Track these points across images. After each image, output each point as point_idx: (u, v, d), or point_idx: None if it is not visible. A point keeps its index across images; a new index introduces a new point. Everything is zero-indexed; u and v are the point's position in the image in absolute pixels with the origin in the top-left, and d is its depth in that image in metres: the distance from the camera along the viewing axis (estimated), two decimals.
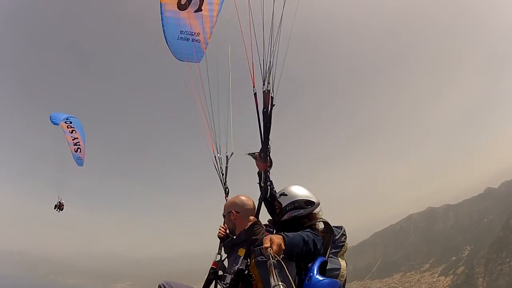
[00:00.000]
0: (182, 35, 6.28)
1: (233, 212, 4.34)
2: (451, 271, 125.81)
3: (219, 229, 4.87)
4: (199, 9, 6.08)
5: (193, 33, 6.28)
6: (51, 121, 17.69)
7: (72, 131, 18.48)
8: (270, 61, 4.43)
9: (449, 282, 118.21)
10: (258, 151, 4.43)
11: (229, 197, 5.05)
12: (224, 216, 4.51)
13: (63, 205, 20.56)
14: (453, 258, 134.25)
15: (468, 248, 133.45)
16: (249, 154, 4.58)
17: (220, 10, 6.23)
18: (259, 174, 4.50)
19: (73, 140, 18.73)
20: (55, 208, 20.55)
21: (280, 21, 4.48)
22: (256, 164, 4.54)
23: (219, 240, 4.80)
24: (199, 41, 6.34)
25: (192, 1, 6.01)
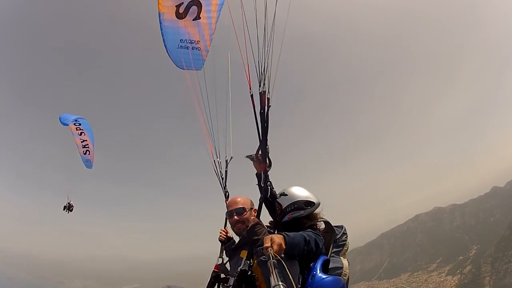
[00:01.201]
0: (182, 44, 6.17)
1: (254, 209, 4.37)
2: (458, 271, 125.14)
3: (220, 233, 4.87)
4: (197, 17, 5.96)
5: (192, 41, 6.18)
6: (61, 121, 17.19)
7: (81, 133, 17.97)
8: (265, 63, 4.47)
9: (456, 282, 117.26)
10: (255, 152, 4.49)
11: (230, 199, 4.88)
12: (236, 212, 4.33)
13: (72, 206, 19.93)
14: (460, 257, 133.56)
15: (475, 247, 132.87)
16: (246, 156, 4.63)
17: (218, 17, 6.09)
18: (258, 175, 4.55)
19: (82, 142, 18.18)
20: (64, 209, 19.94)
21: (273, 22, 4.58)
22: (254, 165, 4.60)
23: (219, 244, 4.77)
24: (199, 49, 6.24)
25: (190, 10, 5.89)
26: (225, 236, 4.82)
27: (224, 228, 4.86)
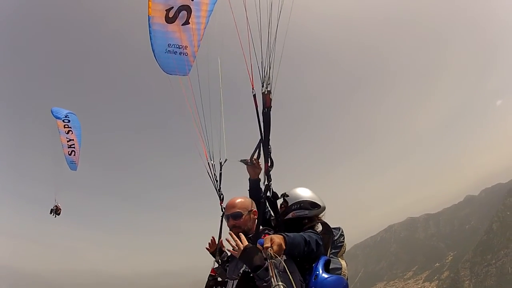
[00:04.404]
0: (170, 48, 6.13)
1: (254, 211, 4.13)
2: (435, 277, 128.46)
3: (209, 244, 4.86)
4: (186, 22, 5.93)
5: (181, 46, 6.15)
6: (53, 115, 16.71)
7: (69, 131, 17.17)
8: (268, 63, 4.44)
9: (434, 287, 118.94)
10: (250, 157, 4.47)
11: (225, 201, 4.75)
12: (232, 217, 4.07)
13: (60, 209, 19.04)
14: (437, 264, 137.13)
15: (451, 254, 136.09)
16: (241, 161, 4.59)
17: (207, 23, 6.11)
18: (251, 180, 4.57)
19: (68, 141, 17.38)
20: (51, 213, 18.98)
21: (278, 21, 4.48)
22: (248, 170, 4.59)
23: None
24: (186, 54, 6.20)
25: (180, 14, 5.83)
26: (213, 249, 4.74)
27: (219, 238, 4.77)
